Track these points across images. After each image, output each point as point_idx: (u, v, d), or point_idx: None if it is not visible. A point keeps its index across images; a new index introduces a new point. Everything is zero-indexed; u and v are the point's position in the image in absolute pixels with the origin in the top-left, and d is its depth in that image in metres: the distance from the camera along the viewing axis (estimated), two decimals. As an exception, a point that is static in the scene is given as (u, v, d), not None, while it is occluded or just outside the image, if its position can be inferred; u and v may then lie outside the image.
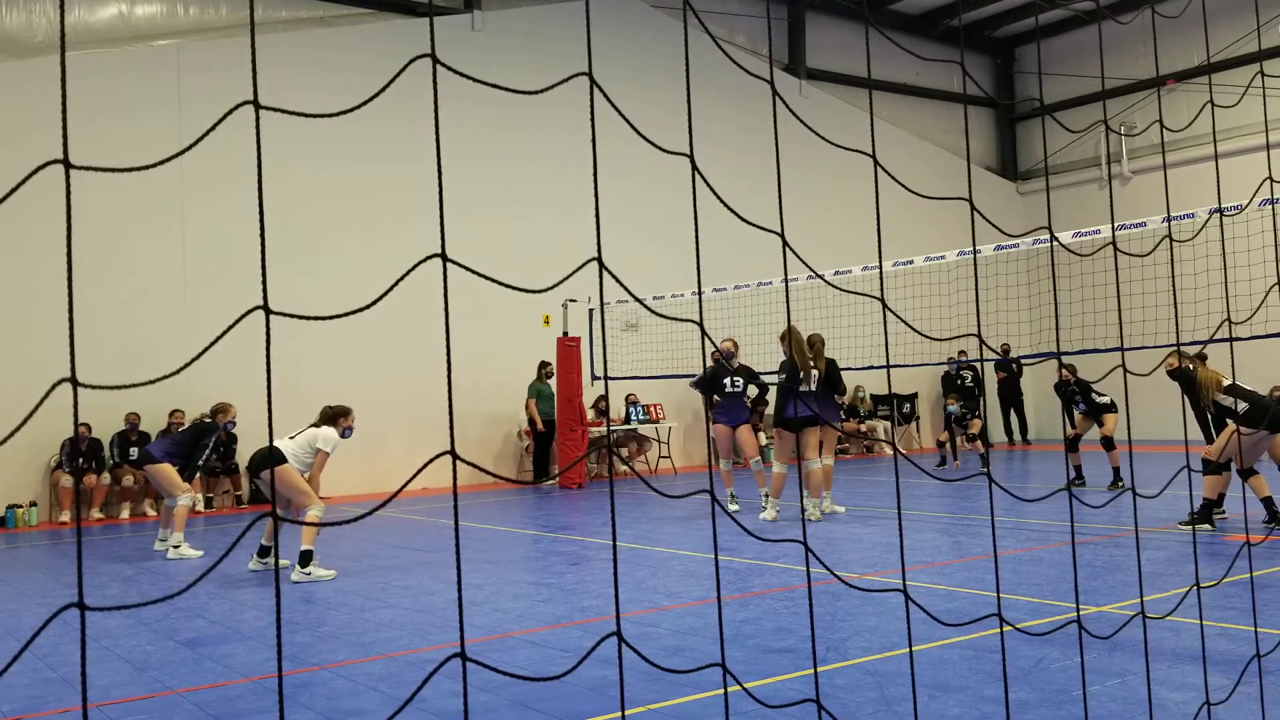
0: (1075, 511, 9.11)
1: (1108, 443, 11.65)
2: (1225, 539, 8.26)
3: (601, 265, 1.83)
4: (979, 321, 2.30)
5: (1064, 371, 11.59)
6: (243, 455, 14.03)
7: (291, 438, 8.48)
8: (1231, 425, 8.42)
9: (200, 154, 12.19)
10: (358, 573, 8.26)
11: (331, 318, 1.71)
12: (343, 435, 8.54)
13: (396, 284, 1.63)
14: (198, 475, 10.54)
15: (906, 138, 21.20)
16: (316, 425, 8.51)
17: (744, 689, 1.95)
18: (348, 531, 10.36)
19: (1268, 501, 8.39)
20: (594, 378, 15.76)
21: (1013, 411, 20.35)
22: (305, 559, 7.98)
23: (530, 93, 1.89)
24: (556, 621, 6.18)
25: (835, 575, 2.19)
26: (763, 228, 1.98)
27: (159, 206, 13.91)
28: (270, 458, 7.96)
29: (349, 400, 15.08)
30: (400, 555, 9.25)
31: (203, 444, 9.88)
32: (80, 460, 12.69)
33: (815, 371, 10.02)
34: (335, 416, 8.56)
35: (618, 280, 1.83)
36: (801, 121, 2.15)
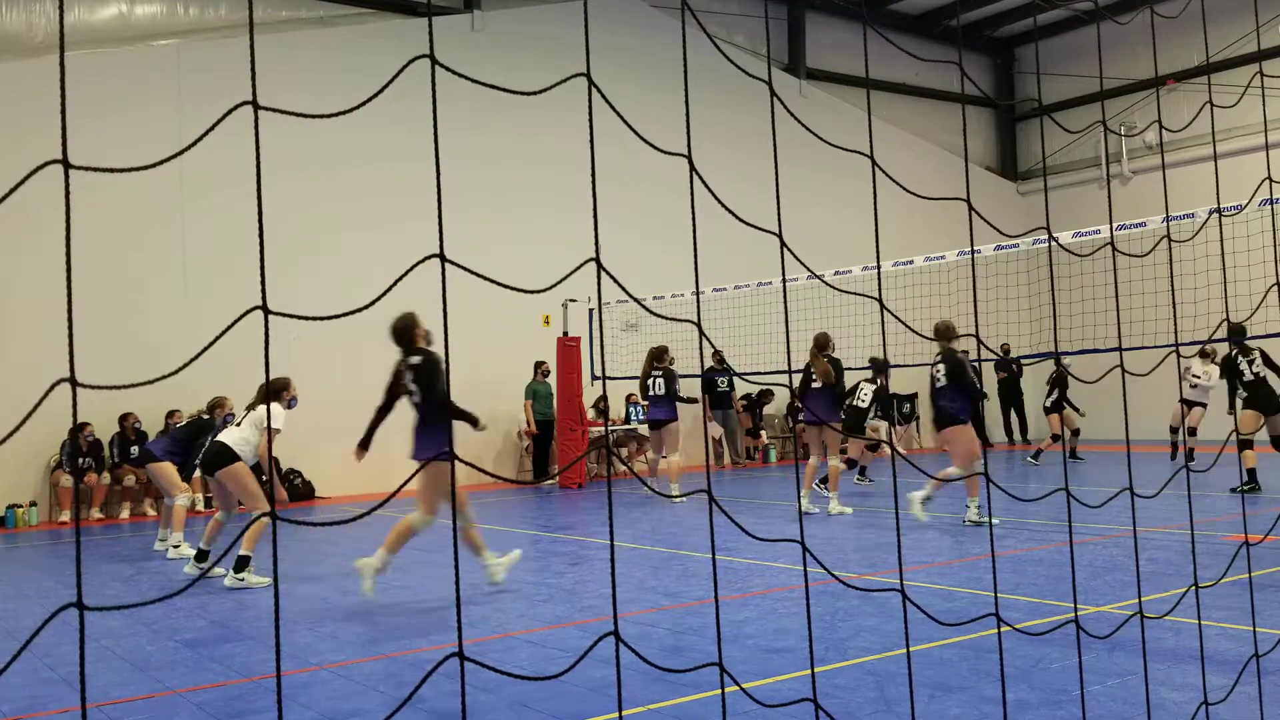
0: (1075, 511, 9.11)
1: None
2: (1223, 539, 8.26)
3: (600, 266, 1.84)
4: (976, 322, 2.30)
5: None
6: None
7: (236, 425, 8.28)
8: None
9: (200, 154, 12.19)
10: (358, 573, 8.25)
11: (331, 318, 1.71)
12: (288, 407, 8.33)
13: (394, 284, 1.63)
14: (196, 474, 10.50)
15: (907, 138, 21.20)
16: (253, 406, 8.26)
17: (741, 689, 1.95)
18: (348, 531, 10.35)
19: (1251, 472, 9.67)
20: (594, 378, 15.76)
21: (1013, 411, 20.35)
22: (241, 564, 7.74)
23: (528, 93, 1.89)
24: (556, 621, 6.18)
25: (833, 575, 2.19)
26: (760, 228, 1.99)
27: (159, 206, 13.91)
28: (221, 455, 7.86)
29: (351, 399, 15.08)
30: (400, 555, 9.24)
31: (200, 441, 9.80)
32: (81, 460, 12.69)
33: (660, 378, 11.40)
34: (277, 391, 8.22)
35: (615, 281, 1.84)
36: (799, 122, 2.15)
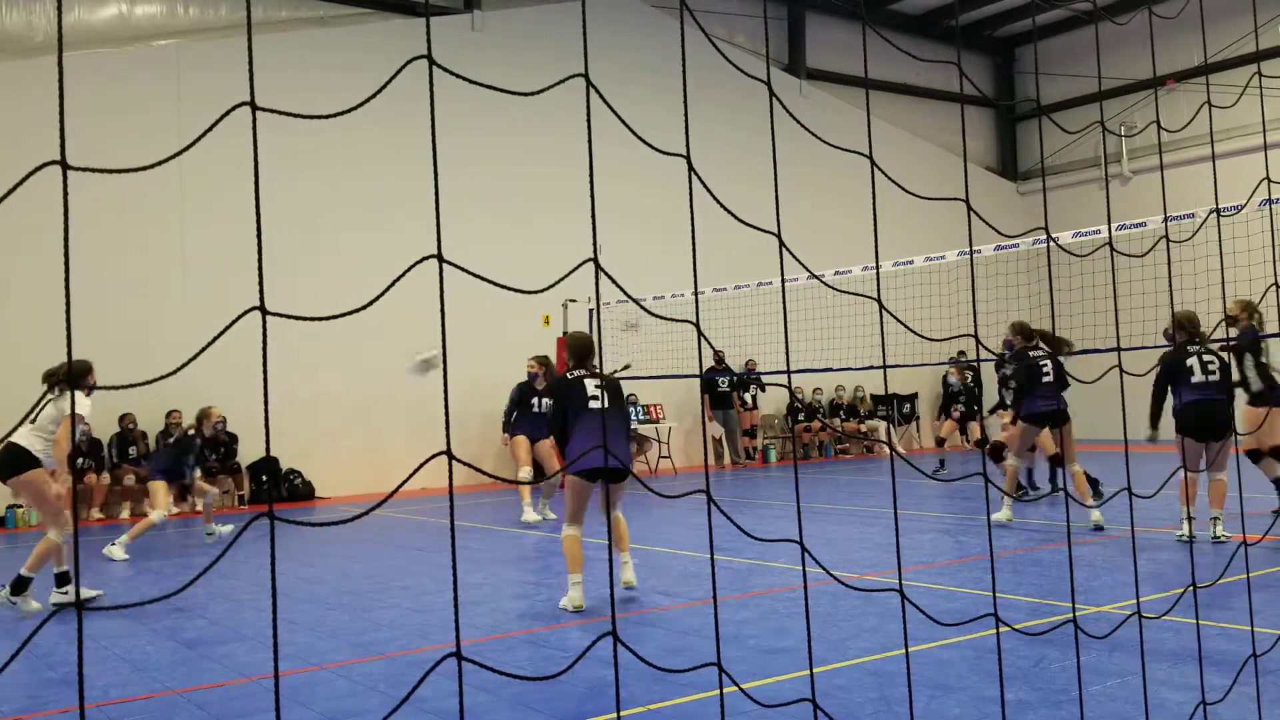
0: (1075, 511, 9.11)
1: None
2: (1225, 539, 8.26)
3: (598, 266, 1.84)
4: (975, 322, 2.30)
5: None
6: (244, 455, 14.04)
7: (32, 422, 6.85)
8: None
9: (200, 154, 12.19)
10: (358, 573, 8.26)
11: (329, 318, 1.71)
12: (87, 395, 7.05)
13: (392, 285, 1.63)
14: (196, 479, 10.32)
15: (907, 138, 21.20)
16: (51, 395, 6.85)
17: (740, 689, 1.95)
18: (348, 531, 10.37)
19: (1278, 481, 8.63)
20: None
21: (1013, 411, 20.34)
22: (19, 586, 6.79)
23: (526, 94, 1.89)
24: (556, 621, 6.18)
25: (832, 575, 2.19)
26: (758, 228, 1.98)
27: (159, 207, 13.92)
28: (15, 460, 6.72)
29: (350, 399, 15.09)
30: (400, 555, 9.25)
31: (184, 461, 9.80)
32: (80, 461, 12.69)
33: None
34: (77, 376, 6.96)
35: (613, 281, 1.84)
36: (799, 122, 2.16)
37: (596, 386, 6.76)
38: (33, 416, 6.76)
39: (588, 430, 6.60)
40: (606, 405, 6.42)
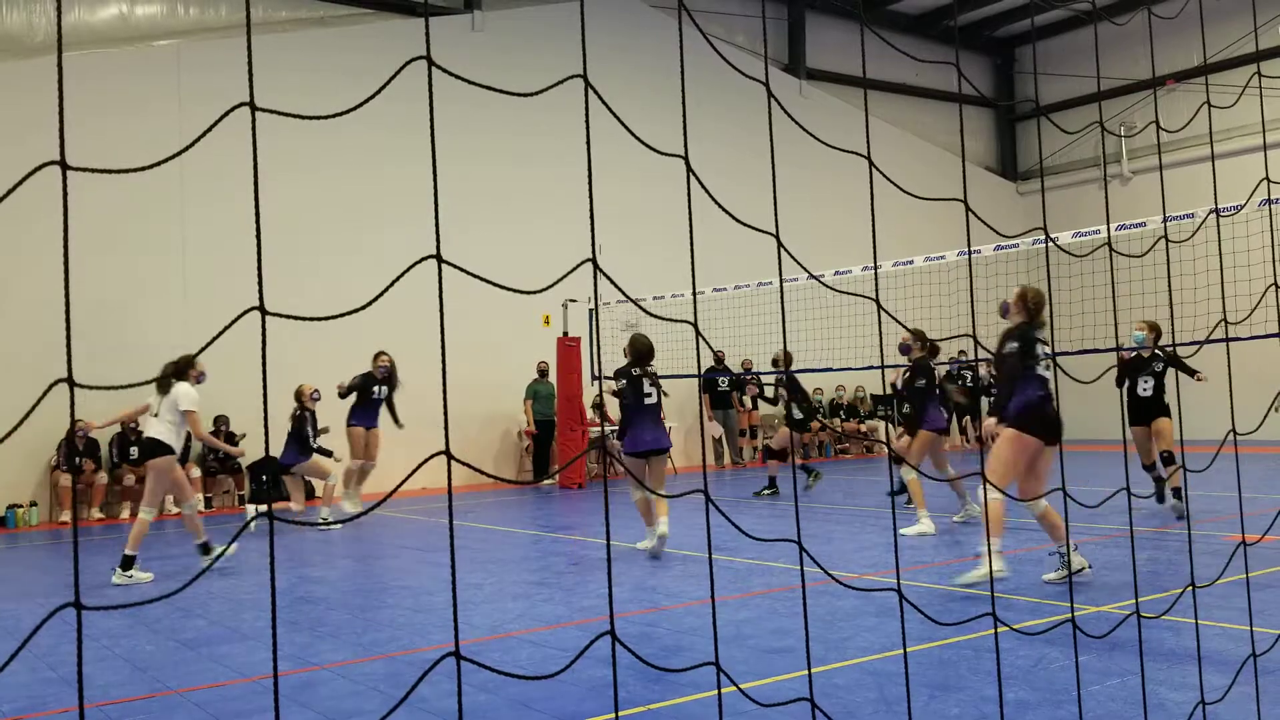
0: (1074, 511, 9.11)
1: None
2: (1222, 539, 8.26)
3: (596, 267, 1.84)
4: (973, 322, 2.30)
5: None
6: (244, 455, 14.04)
7: (155, 415, 8.02)
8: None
9: (200, 155, 12.19)
10: (358, 573, 8.26)
11: (328, 318, 1.71)
12: (197, 383, 8.17)
13: (391, 285, 1.63)
14: (197, 474, 10.59)
15: (907, 138, 21.20)
16: (163, 389, 8.03)
17: (738, 688, 1.95)
18: (348, 531, 10.38)
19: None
20: (594, 378, 15.77)
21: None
22: (128, 563, 7.93)
23: (524, 94, 1.89)
24: (556, 621, 6.19)
25: (830, 575, 2.19)
26: (757, 228, 1.99)
27: (159, 206, 13.92)
28: (154, 450, 7.89)
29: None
30: (400, 555, 9.26)
31: (304, 434, 11.25)
32: (80, 460, 12.69)
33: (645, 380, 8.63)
34: (183, 369, 8.08)
35: (611, 281, 1.84)
36: (797, 123, 2.16)
37: (650, 385, 8.45)
38: (154, 410, 8.01)
39: (641, 418, 8.38)
40: (657, 400, 8.46)
